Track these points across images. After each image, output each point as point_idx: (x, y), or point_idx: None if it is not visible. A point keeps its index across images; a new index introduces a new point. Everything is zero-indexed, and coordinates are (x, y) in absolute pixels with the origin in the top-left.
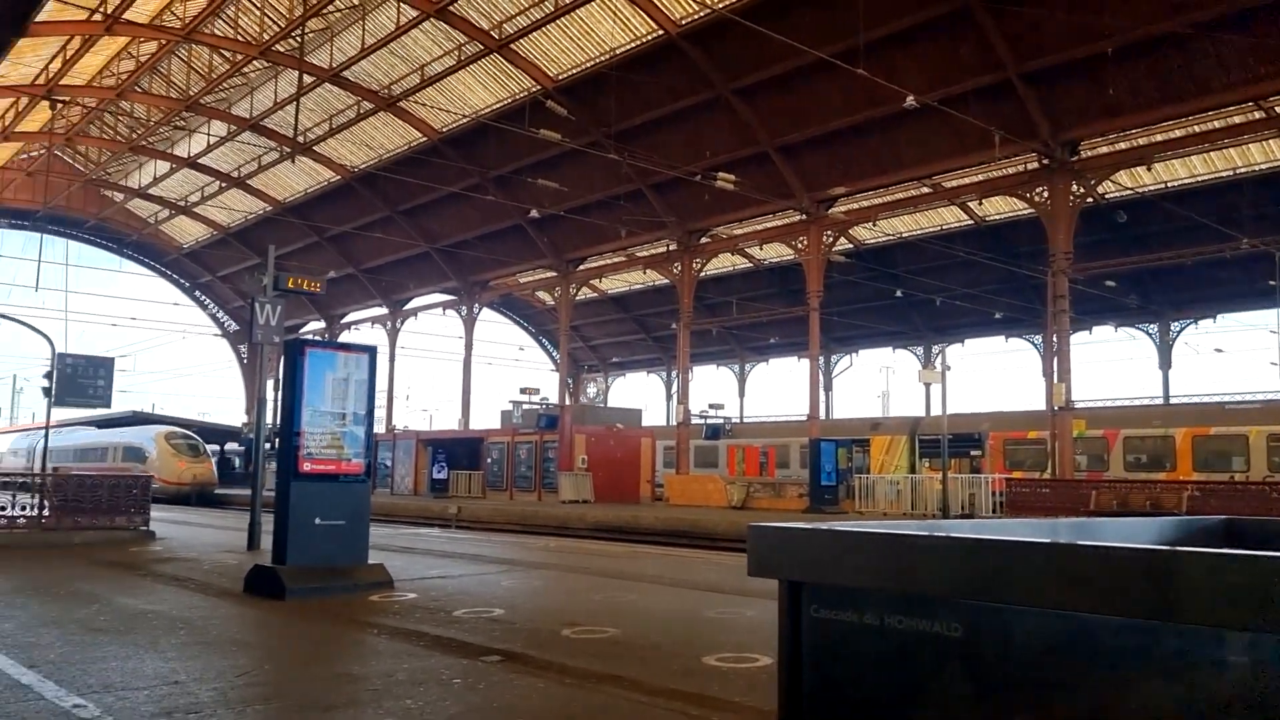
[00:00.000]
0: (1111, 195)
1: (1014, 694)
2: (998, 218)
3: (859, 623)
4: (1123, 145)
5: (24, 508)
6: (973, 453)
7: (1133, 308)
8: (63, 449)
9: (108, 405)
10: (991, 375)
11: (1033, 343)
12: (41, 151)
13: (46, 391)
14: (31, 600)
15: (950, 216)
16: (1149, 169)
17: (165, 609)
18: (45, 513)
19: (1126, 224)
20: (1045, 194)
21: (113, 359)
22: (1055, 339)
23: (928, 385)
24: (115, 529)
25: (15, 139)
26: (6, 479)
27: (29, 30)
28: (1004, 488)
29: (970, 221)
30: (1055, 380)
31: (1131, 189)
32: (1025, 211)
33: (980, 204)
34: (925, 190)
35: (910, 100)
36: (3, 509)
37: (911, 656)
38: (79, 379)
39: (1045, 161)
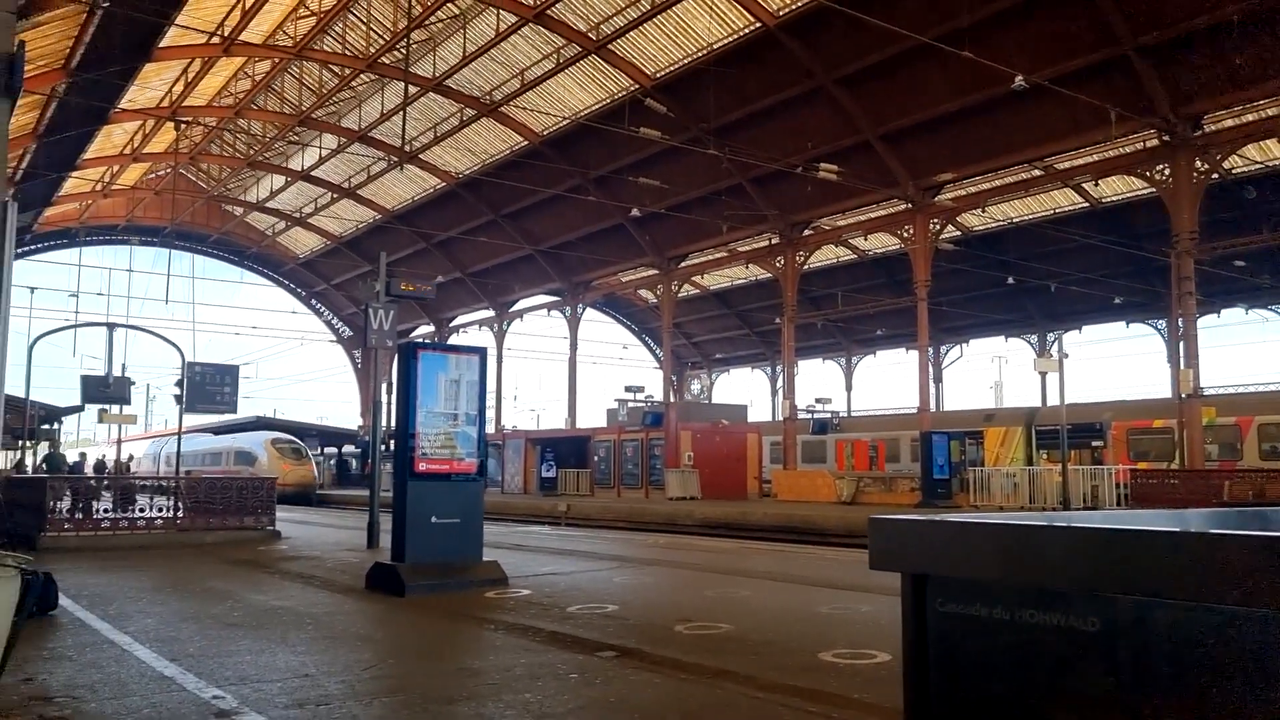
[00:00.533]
0: (1238, 170)
1: (1155, 690)
2: (1115, 199)
3: (988, 617)
4: (1249, 117)
5: (160, 510)
6: (1094, 443)
7: (1264, 288)
8: (183, 454)
9: (234, 411)
10: (1112, 363)
11: (1156, 328)
12: (167, 170)
13: (178, 399)
14: (170, 597)
15: (1064, 199)
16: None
17: (293, 605)
18: (179, 514)
19: (1256, 200)
20: (1166, 172)
21: (237, 366)
22: (1181, 323)
23: (1044, 374)
24: (244, 529)
25: (144, 159)
26: (144, 483)
27: (155, 55)
28: (1129, 479)
29: (1085, 204)
30: (1182, 366)
31: (1260, 163)
32: (1145, 191)
33: (1096, 185)
34: (1037, 173)
35: (1019, 81)
36: (142, 511)
37: (1045, 652)
38: (207, 386)
39: (1166, 138)
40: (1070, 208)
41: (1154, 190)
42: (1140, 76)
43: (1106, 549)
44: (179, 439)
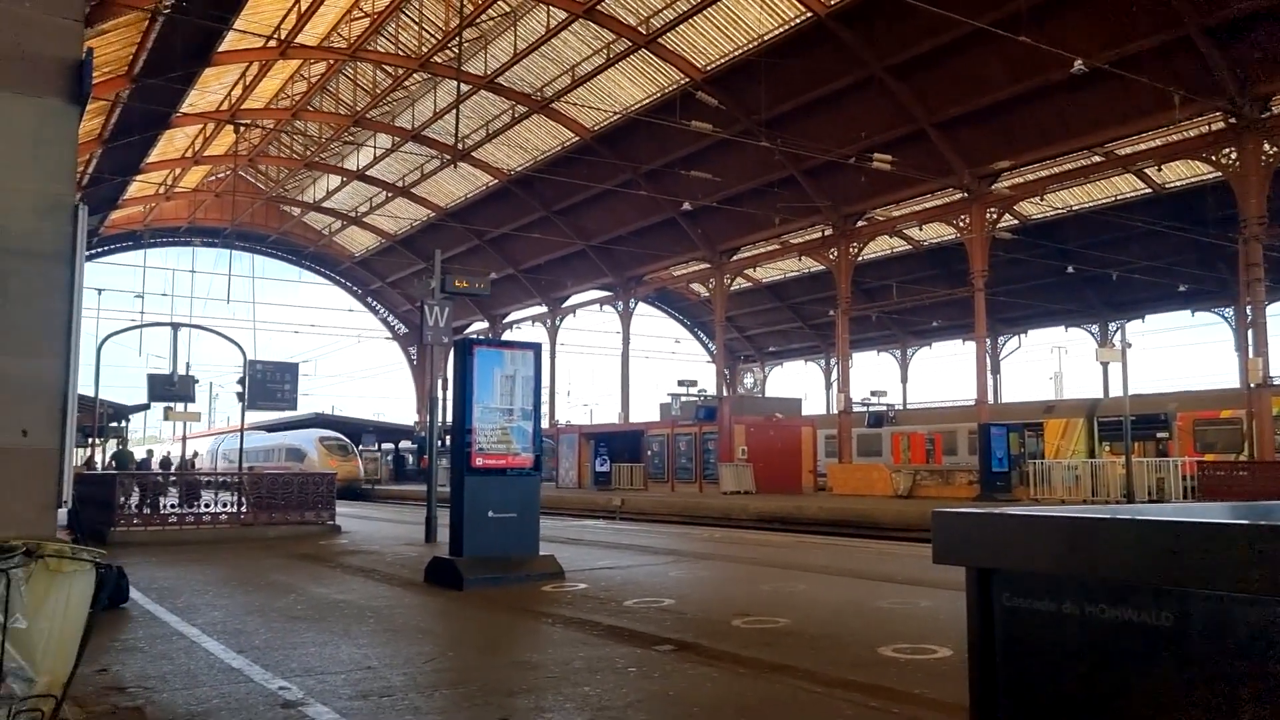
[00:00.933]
0: None
1: (1232, 687)
2: (1179, 184)
3: (1056, 611)
4: None
5: (224, 505)
6: (1158, 435)
7: None
8: (236, 451)
9: (294, 407)
10: (1176, 352)
11: (1223, 316)
12: (227, 173)
13: (240, 396)
14: (236, 590)
15: (1125, 186)
16: None
17: (354, 598)
18: (243, 510)
19: None
20: (1233, 155)
21: (297, 364)
22: (1249, 310)
23: (1106, 364)
24: (305, 524)
25: (204, 162)
26: (208, 479)
27: (214, 60)
28: (1195, 471)
29: (1148, 189)
30: (1250, 354)
31: None
32: (1210, 175)
33: (1159, 170)
34: (1097, 159)
35: (1078, 65)
36: (207, 506)
37: (1116, 647)
38: (268, 383)
39: (1232, 120)
40: (1132, 194)
41: (1220, 174)
42: (1205, 57)
43: (1181, 542)
44: (240, 436)
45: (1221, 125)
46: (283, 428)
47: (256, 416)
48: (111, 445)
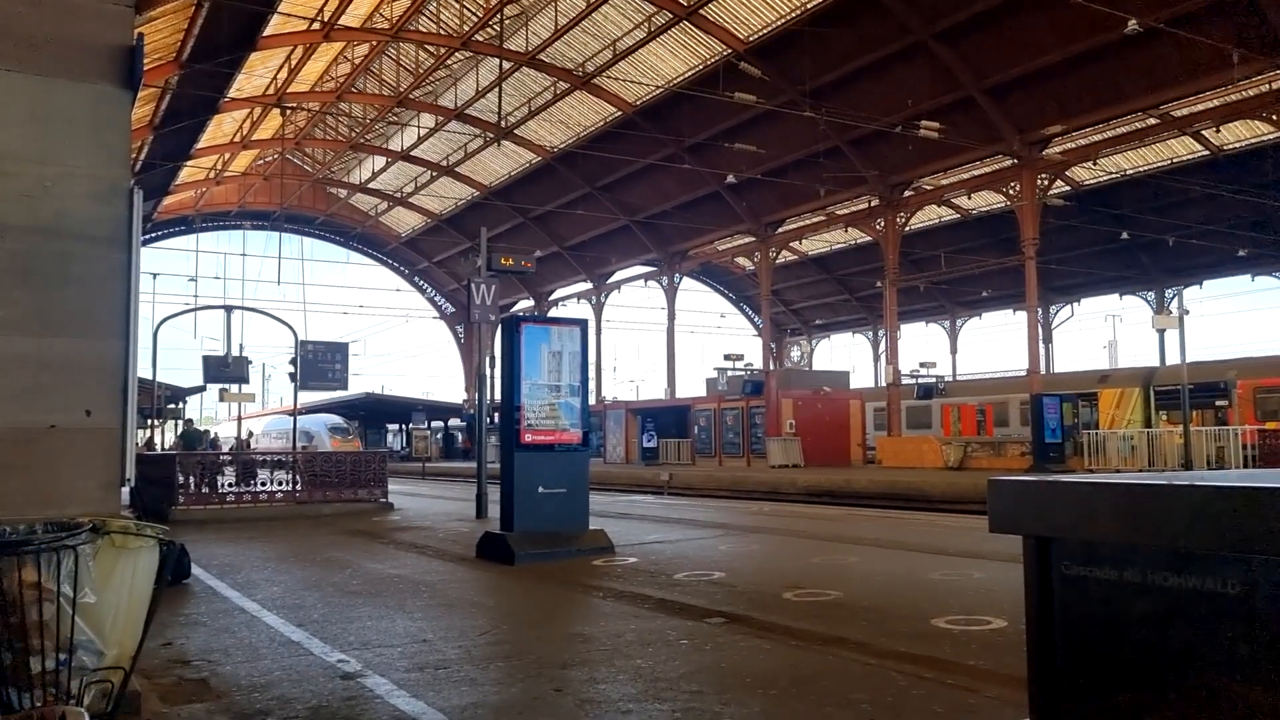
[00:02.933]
0: None
1: None
2: (1237, 145)
3: (1118, 580)
4: None
5: (280, 484)
6: (1218, 403)
7: None
8: (268, 433)
9: (344, 387)
10: (1236, 319)
11: None
12: (275, 156)
13: (292, 377)
14: (293, 566)
15: (1181, 149)
16: None
17: (408, 573)
18: (298, 488)
19: None
20: None
21: (346, 344)
22: None
23: (1162, 332)
24: (358, 501)
25: (252, 146)
26: (263, 458)
27: (260, 44)
28: (1256, 440)
29: (1205, 152)
30: None
31: None
32: (1272, 135)
33: (1217, 132)
34: (1152, 122)
35: (1132, 25)
36: (264, 485)
37: (1182, 617)
38: (319, 364)
39: None
40: (1189, 156)
41: None
42: (1265, 13)
43: (1249, 507)
44: (294, 417)
45: None
46: (334, 408)
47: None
48: (171, 426)
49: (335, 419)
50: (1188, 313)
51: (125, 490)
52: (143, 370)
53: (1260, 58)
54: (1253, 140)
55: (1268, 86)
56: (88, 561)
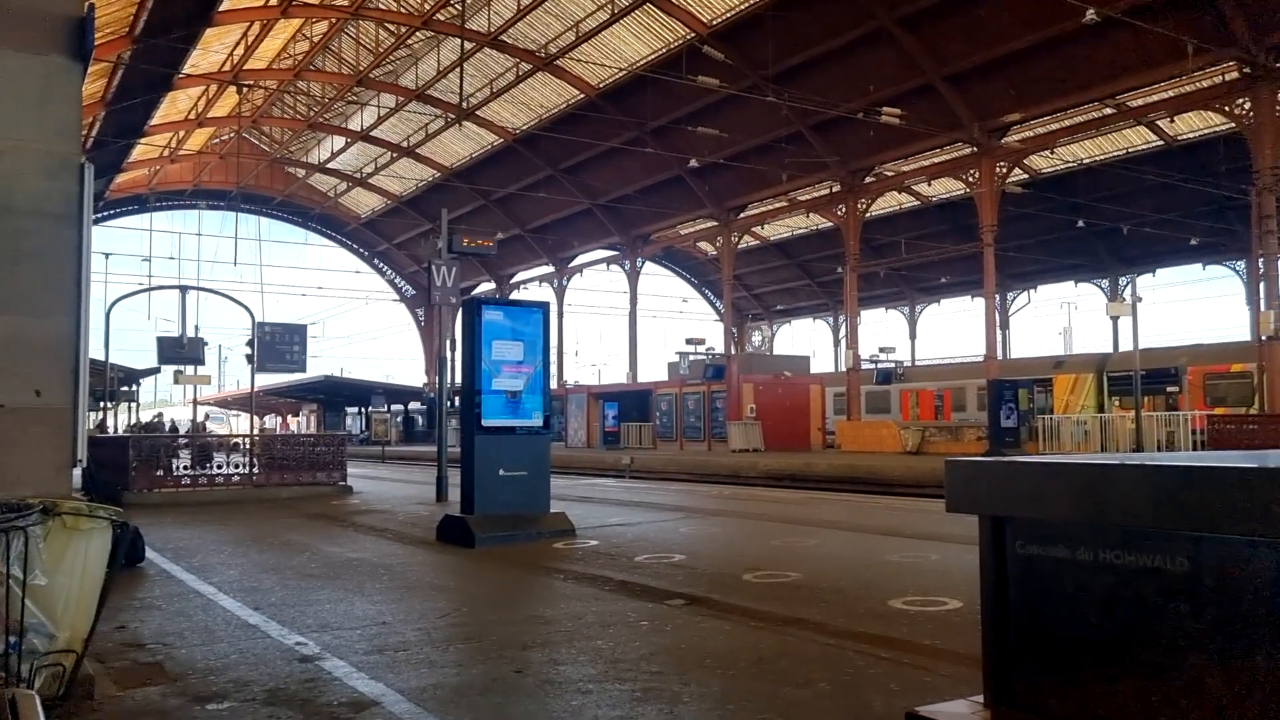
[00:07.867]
0: None
1: (1249, 630)
2: (1191, 135)
3: (1071, 558)
4: None
5: (237, 467)
6: (1169, 389)
7: None
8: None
9: (303, 370)
10: (1187, 306)
11: (1234, 269)
12: (231, 135)
13: (249, 358)
14: (251, 550)
15: (1137, 138)
16: None
17: (368, 556)
18: (255, 471)
19: None
20: (1247, 105)
21: (305, 326)
22: (1262, 263)
23: (1116, 319)
24: (317, 484)
25: (208, 124)
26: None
27: (215, 19)
28: (1205, 425)
29: (1160, 142)
30: (1263, 308)
31: None
32: (1223, 126)
33: (1171, 122)
34: (1108, 111)
35: (1090, 14)
36: (219, 468)
37: (1132, 593)
38: (277, 345)
39: (1246, 70)
40: (1144, 146)
41: (1234, 126)
42: (1220, 6)
43: (1196, 487)
44: (251, 400)
45: (1235, 75)
46: (292, 390)
47: (269, 379)
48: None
49: None
50: (1140, 300)
51: (77, 473)
52: (95, 351)
53: (1213, 50)
54: (1205, 131)
55: (1221, 78)
56: (38, 543)
